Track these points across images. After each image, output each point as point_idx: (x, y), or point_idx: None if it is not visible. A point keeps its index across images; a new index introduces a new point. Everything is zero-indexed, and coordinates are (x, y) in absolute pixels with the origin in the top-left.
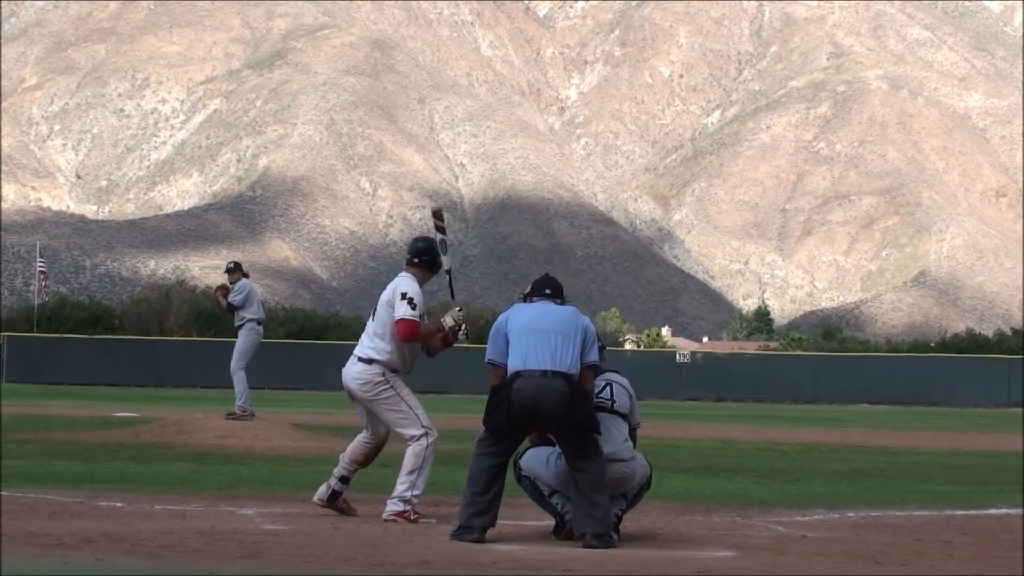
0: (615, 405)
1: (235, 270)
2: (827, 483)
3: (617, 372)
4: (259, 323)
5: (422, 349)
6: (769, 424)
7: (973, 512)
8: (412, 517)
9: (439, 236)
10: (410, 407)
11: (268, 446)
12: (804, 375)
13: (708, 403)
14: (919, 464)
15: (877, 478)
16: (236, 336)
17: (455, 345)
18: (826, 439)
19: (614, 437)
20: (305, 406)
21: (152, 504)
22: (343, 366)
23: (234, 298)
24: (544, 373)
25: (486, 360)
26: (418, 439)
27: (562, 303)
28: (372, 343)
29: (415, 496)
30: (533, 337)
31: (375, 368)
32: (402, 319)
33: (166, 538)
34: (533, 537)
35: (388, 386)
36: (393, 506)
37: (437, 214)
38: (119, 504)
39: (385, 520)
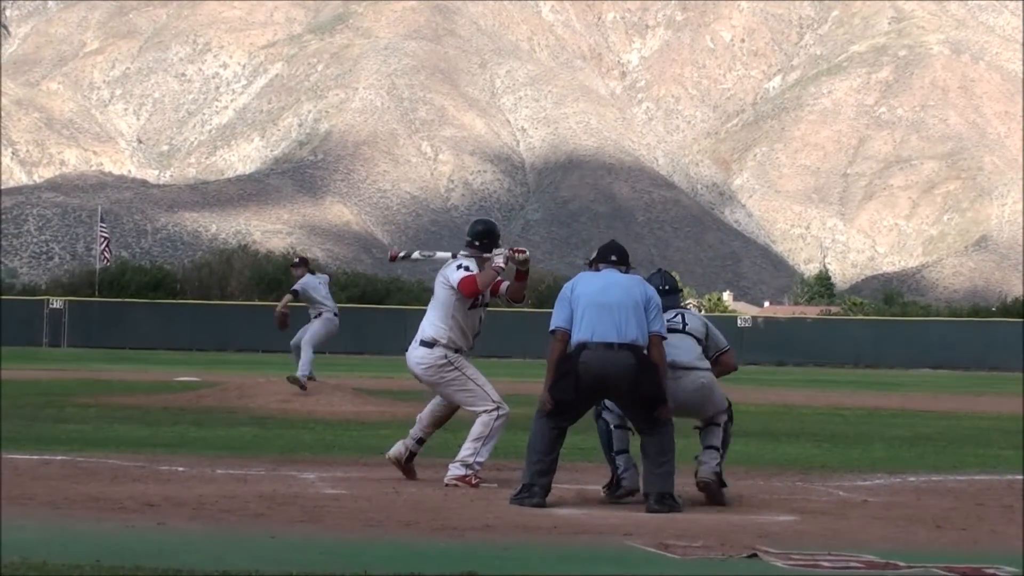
0: (687, 327)
1: (300, 265)
2: (888, 448)
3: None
4: (335, 314)
5: (510, 299)
6: (830, 389)
7: None
8: (473, 481)
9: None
10: (478, 385)
11: (330, 411)
12: (865, 340)
13: (769, 367)
14: (980, 429)
15: (938, 443)
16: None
17: (526, 268)
18: (887, 404)
19: (688, 350)
20: (366, 370)
21: (214, 468)
22: (405, 332)
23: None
24: (610, 345)
25: (551, 328)
26: (489, 412)
27: (627, 270)
28: (431, 324)
29: (478, 463)
30: (598, 311)
31: (437, 351)
32: (460, 280)
33: (228, 502)
34: (594, 502)
35: (452, 367)
36: (455, 470)
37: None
38: (181, 468)
39: (446, 484)
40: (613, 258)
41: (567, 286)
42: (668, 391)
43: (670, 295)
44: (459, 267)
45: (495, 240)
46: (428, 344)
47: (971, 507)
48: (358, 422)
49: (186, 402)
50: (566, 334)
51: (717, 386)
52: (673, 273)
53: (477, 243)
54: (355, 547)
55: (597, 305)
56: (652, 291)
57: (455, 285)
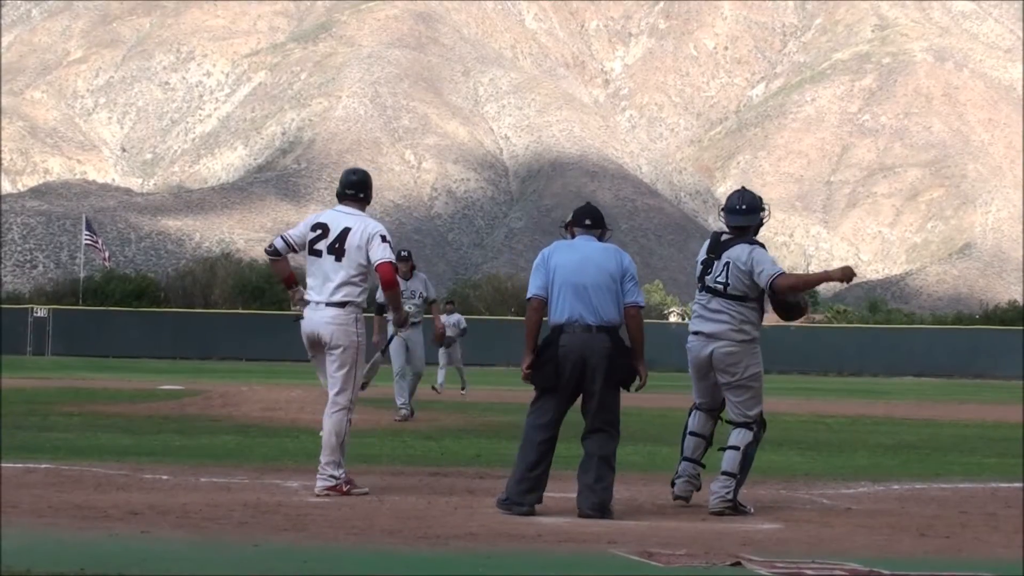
0: (728, 288)
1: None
2: (872, 455)
3: (751, 244)
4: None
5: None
6: (814, 396)
7: (1018, 485)
8: (344, 489)
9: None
10: (356, 375)
11: (313, 419)
12: (849, 347)
13: None
14: (964, 436)
15: (922, 450)
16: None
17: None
18: (871, 411)
19: (721, 321)
20: None
21: (197, 477)
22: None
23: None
24: (588, 328)
25: (528, 296)
26: (340, 409)
27: (603, 234)
28: (347, 289)
29: (343, 470)
30: (575, 292)
31: (351, 311)
32: (390, 262)
33: (211, 510)
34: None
35: (360, 339)
36: (323, 481)
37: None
38: (164, 477)
39: (316, 495)
40: (587, 222)
41: (543, 253)
42: (690, 350)
43: (746, 214)
44: (385, 240)
45: (369, 190)
46: (339, 305)
47: (955, 515)
48: None
49: (170, 410)
50: (541, 302)
51: (747, 356)
52: (656, 285)
53: (353, 193)
54: (339, 555)
55: (573, 285)
56: (628, 261)
57: (376, 261)
